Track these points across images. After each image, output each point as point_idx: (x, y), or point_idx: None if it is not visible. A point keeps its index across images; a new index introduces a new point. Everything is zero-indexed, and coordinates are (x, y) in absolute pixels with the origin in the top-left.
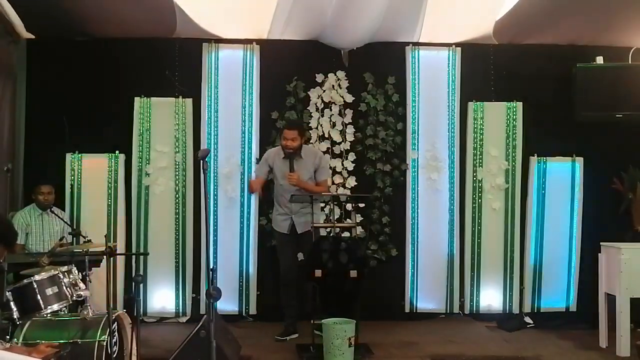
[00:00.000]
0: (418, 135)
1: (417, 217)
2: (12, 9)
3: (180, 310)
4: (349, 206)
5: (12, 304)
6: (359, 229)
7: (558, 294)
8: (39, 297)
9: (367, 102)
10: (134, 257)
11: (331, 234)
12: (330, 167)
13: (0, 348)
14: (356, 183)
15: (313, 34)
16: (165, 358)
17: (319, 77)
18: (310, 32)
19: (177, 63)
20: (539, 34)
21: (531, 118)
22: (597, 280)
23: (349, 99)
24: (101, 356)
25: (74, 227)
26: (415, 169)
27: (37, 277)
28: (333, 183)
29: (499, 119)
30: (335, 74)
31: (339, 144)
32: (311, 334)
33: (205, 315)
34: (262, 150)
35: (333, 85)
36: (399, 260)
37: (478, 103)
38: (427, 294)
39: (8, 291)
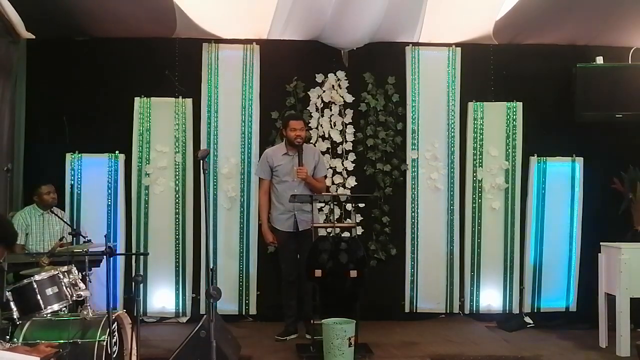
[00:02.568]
0: (418, 135)
1: (417, 217)
2: (12, 8)
3: (180, 310)
4: (349, 206)
5: (12, 304)
6: (359, 229)
7: (558, 294)
8: (39, 297)
9: (367, 102)
10: (134, 257)
11: (331, 234)
12: (330, 167)
13: (0, 348)
14: (356, 183)
15: (313, 34)
16: (165, 358)
17: (319, 77)
18: (310, 32)
19: (177, 63)
20: (539, 34)
21: (531, 118)
22: (597, 280)
23: (349, 99)
24: (101, 356)
25: (74, 227)
26: (415, 169)
27: (37, 277)
28: (333, 183)
29: (499, 119)
30: (335, 74)
31: (339, 144)
32: (311, 334)
33: (205, 315)
34: (262, 150)
35: (333, 85)
36: (398, 259)
37: (478, 103)
38: (427, 294)
39: (8, 291)
